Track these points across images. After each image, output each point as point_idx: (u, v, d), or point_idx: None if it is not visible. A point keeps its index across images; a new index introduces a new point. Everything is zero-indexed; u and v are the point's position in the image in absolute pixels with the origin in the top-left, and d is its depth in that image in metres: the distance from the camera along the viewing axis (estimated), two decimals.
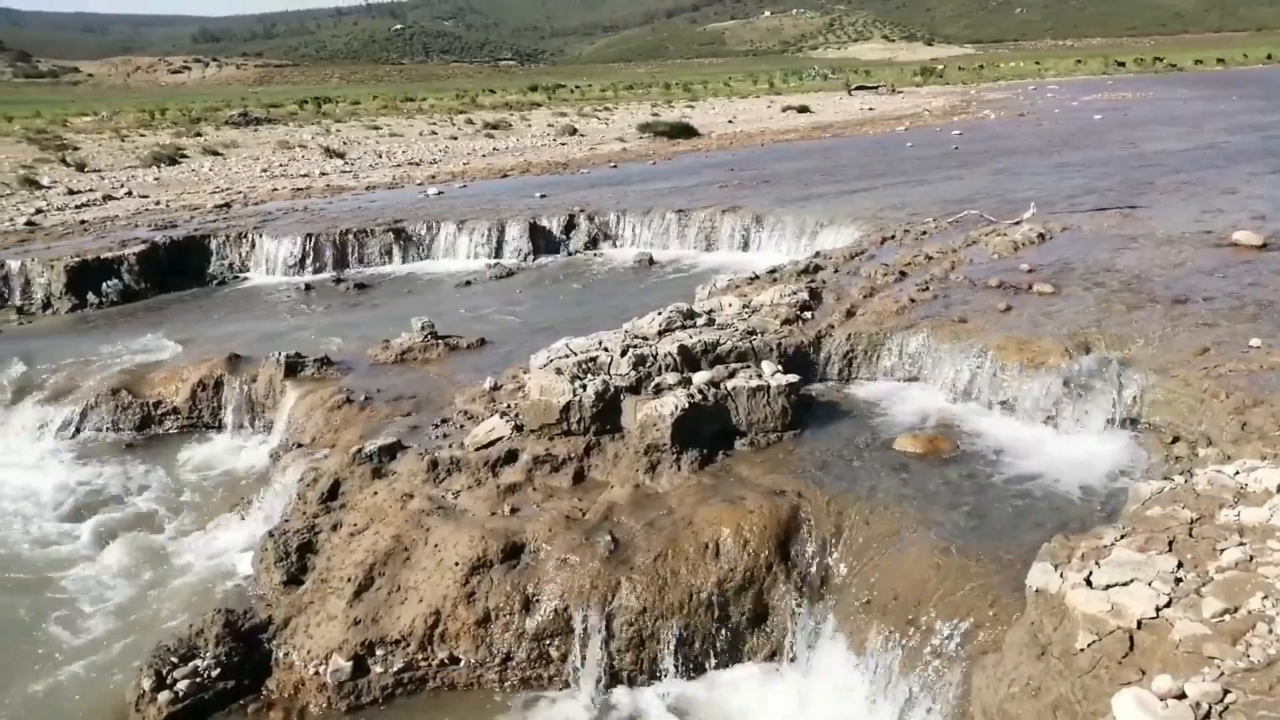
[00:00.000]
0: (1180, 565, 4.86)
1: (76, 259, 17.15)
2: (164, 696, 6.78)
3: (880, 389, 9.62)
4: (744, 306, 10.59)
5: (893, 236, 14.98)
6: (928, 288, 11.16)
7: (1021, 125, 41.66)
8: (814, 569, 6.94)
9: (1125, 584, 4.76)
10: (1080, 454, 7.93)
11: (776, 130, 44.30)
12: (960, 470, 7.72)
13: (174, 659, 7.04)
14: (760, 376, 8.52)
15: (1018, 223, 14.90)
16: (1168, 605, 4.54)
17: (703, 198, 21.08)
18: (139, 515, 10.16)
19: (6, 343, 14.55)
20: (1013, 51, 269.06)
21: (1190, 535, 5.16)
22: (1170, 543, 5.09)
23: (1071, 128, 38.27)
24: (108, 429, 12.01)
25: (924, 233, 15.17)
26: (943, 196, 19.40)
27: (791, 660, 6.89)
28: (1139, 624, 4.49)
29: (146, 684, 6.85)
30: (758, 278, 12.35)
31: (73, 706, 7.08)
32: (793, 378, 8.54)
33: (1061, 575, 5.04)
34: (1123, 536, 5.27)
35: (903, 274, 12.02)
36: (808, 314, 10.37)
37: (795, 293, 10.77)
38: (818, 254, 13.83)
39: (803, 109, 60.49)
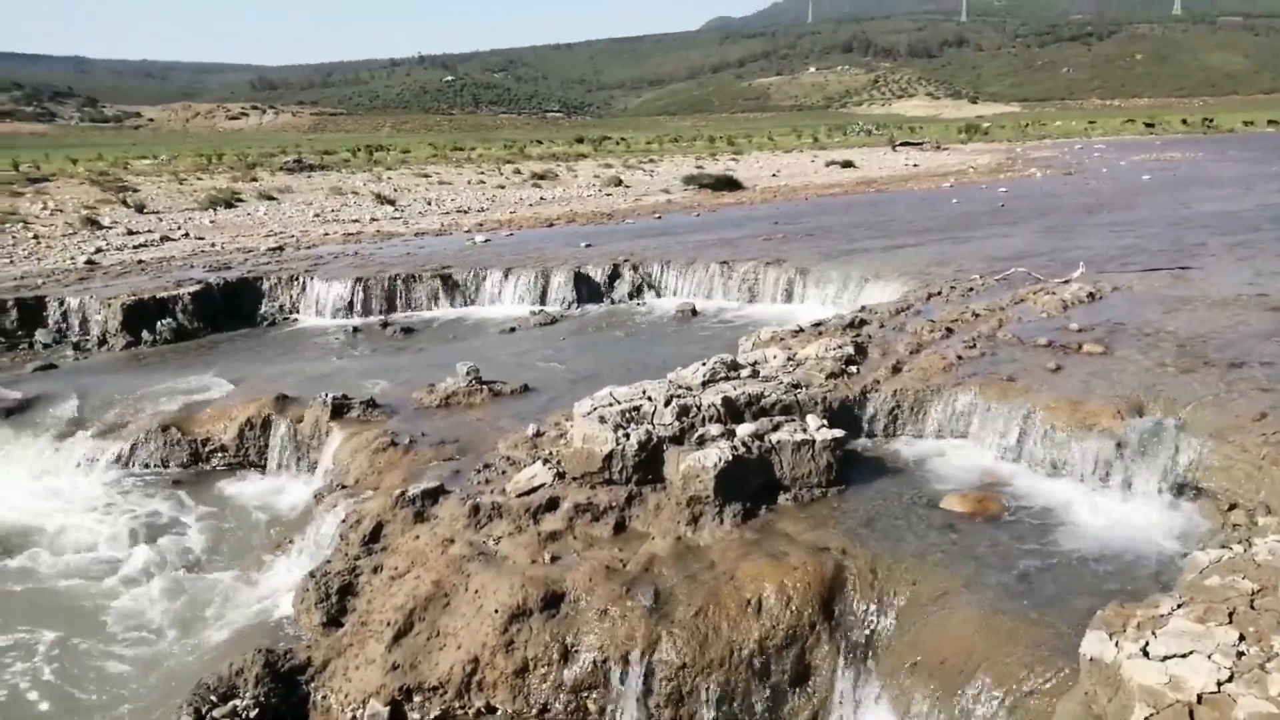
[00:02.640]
0: (1242, 638, 4.71)
1: (133, 297, 17.59)
2: None
3: (927, 446, 9.50)
4: (788, 359, 10.57)
5: (939, 292, 14.90)
6: (975, 345, 11.06)
7: (1069, 184, 41.45)
8: (859, 629, 6.81)
9: (1184, 656, 4.61)
10: (1133, 519, 7.75)
11: (820, 184, 44.49)
12: (1009, 532, 7.57)
13: (213, 698, 7.07)
14: (805, 430, 8.47)
15: (1066, 281, 14.75)
16: (1229, 680, 4.39)
17: (746, 250, 21.17)
18: (183, 551, 10.27)
19: (62, 378, 14.90)
20: (1059, 110, 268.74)
21: (1252, 607, 5.00)
22: (1230, 614, 4.94)
23: (1120, 187, 38.01)
24: (156, 465, 12.22)
25: (970, 289, 15.07)
26: (989, 253, 19.30)
27: None
28: (1199, 698, 4.34)
29: None
30: (802, 330, 12.32)
31: None
32: (838, 432, 8.47)
33: (1117, 644, 4.90)
34: (1180, 606, 5.12)
35: (949, 330, 11.93)
36: (853, 368, 10.32)
37: (840, 346, 10.73)
38: (863, 308, 13.78)
39: (847, 164, 60.71)
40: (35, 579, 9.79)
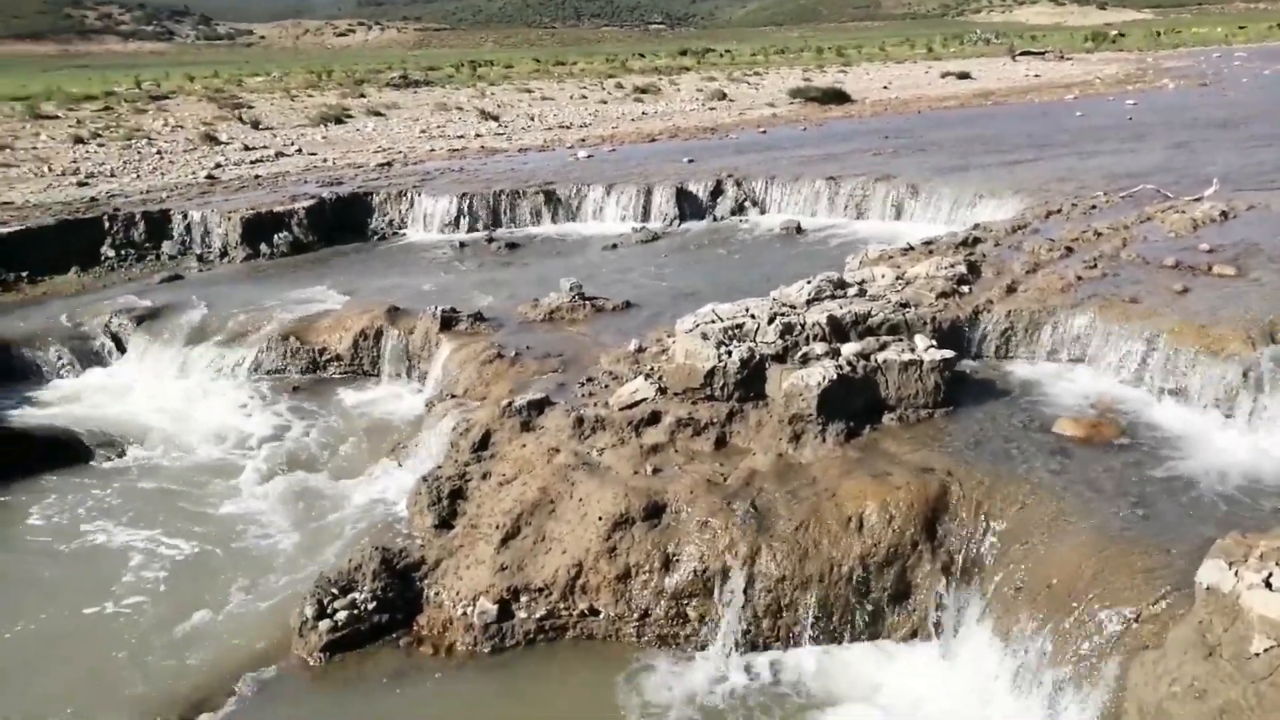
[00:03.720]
0: None
1: (251, 211, 18.22)
2: (324, 625, 7.23)
3: (1040, 369, 9.23)
4: (897, 278, 10.33)
5: (1058, 210, 14.26)
6: (1096, 265, 10.59)
7: (1204, 95, 38.76)
8: (962, 550, 6.77)
9: None
10: (1257, 449, 7.41)
11: (934, 97, 42.70)
12: (1124, 458, 7.34)
13: (334, 590, 7.48)
14: (912, 350, 8.31)
15: (1198, 199, 13.92)
16: None
17: (854, 165, 20.59)
18: (304, 454, 10.81)
19: (188, 288, 15.64)
20: (1196, 15, 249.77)
21: None
22: None
23: (1262, 98, 35.39)
24: (277, 372, 12.81)
25: (1093, 207, 14.38)
26: (1114, 170, 18.32)
27: (933, 641, 6.76)
28: None
29: (309, 612, 7.32)
30: (912, 248, 11.99)
31: (243, 630, 7.63)
32: (947, 353, 8.28)
33: (1236, 574, 4.76)
34: None
35: (1069, 250, 11.45)
36: (965, 288, 10.02)
37: (952, 265, 10.42)
38: (977, 226, 13.30)
39: (963, 75, 58.00)
40: (166, 478, 10.45)
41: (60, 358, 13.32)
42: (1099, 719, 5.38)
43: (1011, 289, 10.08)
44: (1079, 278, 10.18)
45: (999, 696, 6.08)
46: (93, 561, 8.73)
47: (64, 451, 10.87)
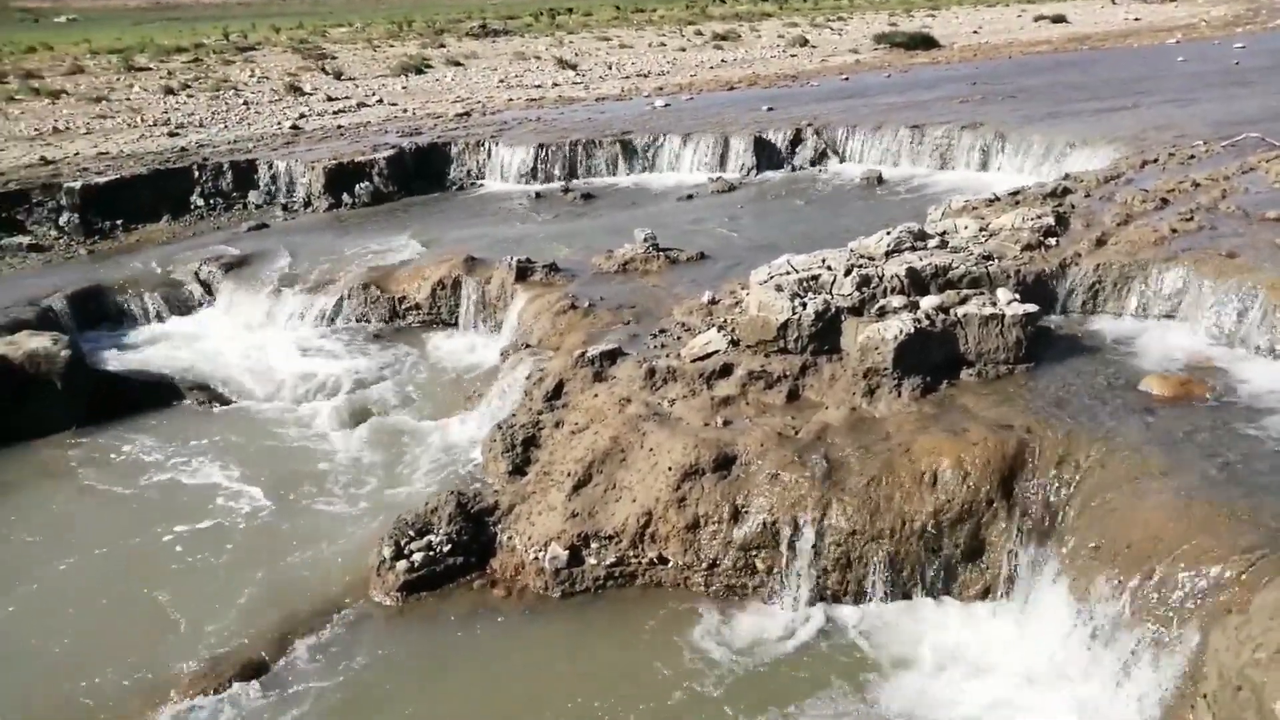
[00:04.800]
0: None
1: (334, 162, 18.54)
2: (402, 565, 7.45)
3: (1128, 325, 8.90)
4: (981, 229, 10.03)
5: (1155, 160, 13.63)
6: (1192, 217, 10.12)
7: None
8: (1039, 509, 6.62)
9: None
10: None
11: (1026, 42, 41.02)
12: (1215, 418, 7.06)
13: (411, 533, 7.70)
14: (994, 304, 8.08)
15: None
16: None
17: (940, 113, 19.94)
18: (384, 400, 11.06)
19: (273, 236, 16.03)
20: None
21: None
22: None
23: None
24: (358, 319, 13.10)
25: (1192, 157, 13.71)
26: (1217, 117, 17.38)
27: (1006, 599, 6.66)
28: None
29: (387, 553, 7.55)
30: (998, 199, 11.61)
31: (323, 569, 7.91)
32: (1030, 307, 8.04)
33: None
34: None
35: (1164, 201, 10.96)
36: (1052, 240, 9.69)
37: (1039, 217, 10.07)
38: (1067, 176, 12.80)
39: (1057, 18, 55.49)
40: (252, 422, 10.82)
41: (153, 304, 13.83)
42: (1177, 684, 5.25)
43: (1101, 242, 9.71)
44: (1173, 230, 9.75)
45: (1072, 658, 5.98)
46: (182, 501, 9.12)
47: (158, 394, 11.33)
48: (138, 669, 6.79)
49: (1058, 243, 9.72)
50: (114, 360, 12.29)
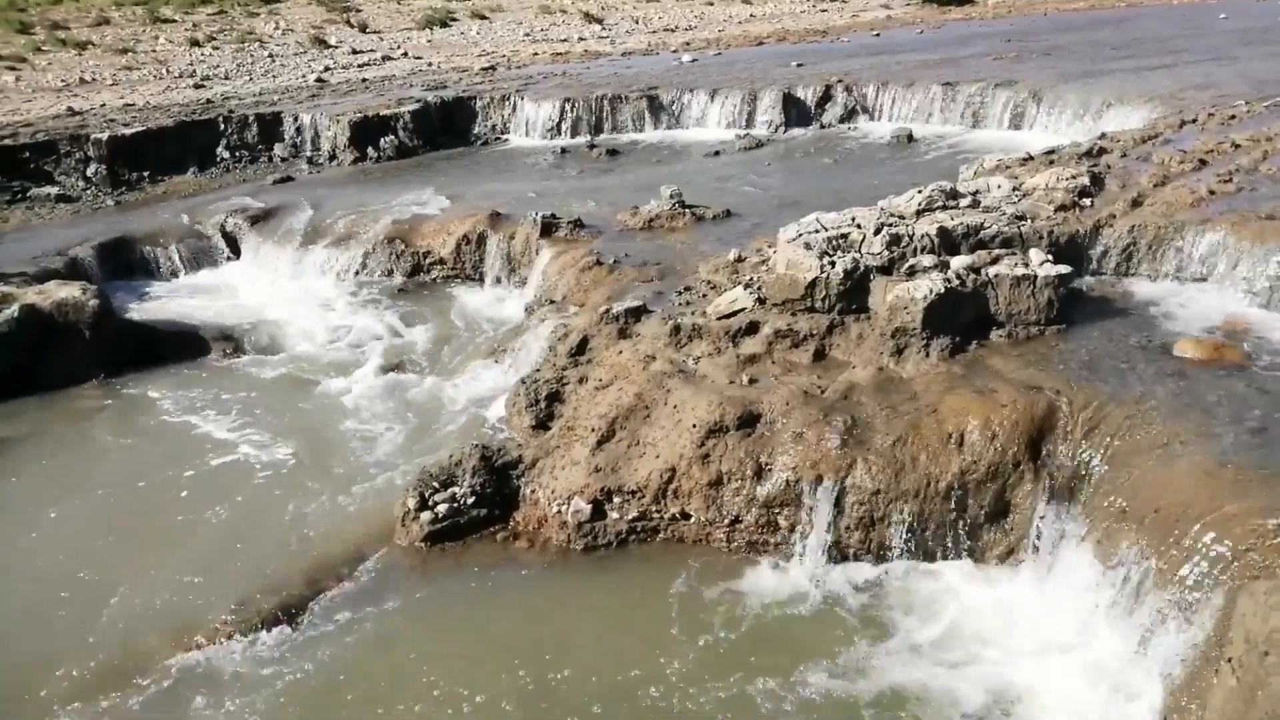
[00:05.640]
0: None
1: (359, 115, 18.47)
2: (426, 516, 7.51)
3: (1162, 288, 8.75)
4: (1014, 189, 9.86)
5: (1194, 120, 13.32)
6: (1231, 179, 9.89)
7: None
8: (1066, 471, 6.55)
9: None
10: None
11: None
12: (1248, 382, 6.94)
13: (435, 484, 7.74)
14: (1026, 265, 7.96)
15: None
16: None
17: (973, 70, 19.58)
18: (408, 353, 11.10)
19: (298, 190, 16.03)
20: None
21: None
22: None
23: None
24: (383, 273, 13.11)
25: (1232, 117, 13.37)
26: (1260, 76, 16.95)
27: (1030, 562, 6.62)
28: None
29: (412, 503, 7.60)
30: (1031, 159, 11.40)
31: (348, 518, 7.98)
32: (1063, 268, 7.91)
33: None
34: None
35: (1202, 162, 10.71)
36: (1086, 201, 9.51)
37: (1074, 177, 9.88)
38: (1103, 136, 12.55)
39: None
40: (277, 374, 10.88)
41: (179, 256, 13.91)
42: (1202, 648, 5.21)
43: (1137, 203, 9.53)
44: (1211, 192, 9.53)
45: (1097, 621, 5.95)
46: (207, 450, 9.21)
47: (183, 345, 11.42)
48: (165, 612, 6.90)
49: (1092, 203, 9.54)
50: (141, 311, 12.38)
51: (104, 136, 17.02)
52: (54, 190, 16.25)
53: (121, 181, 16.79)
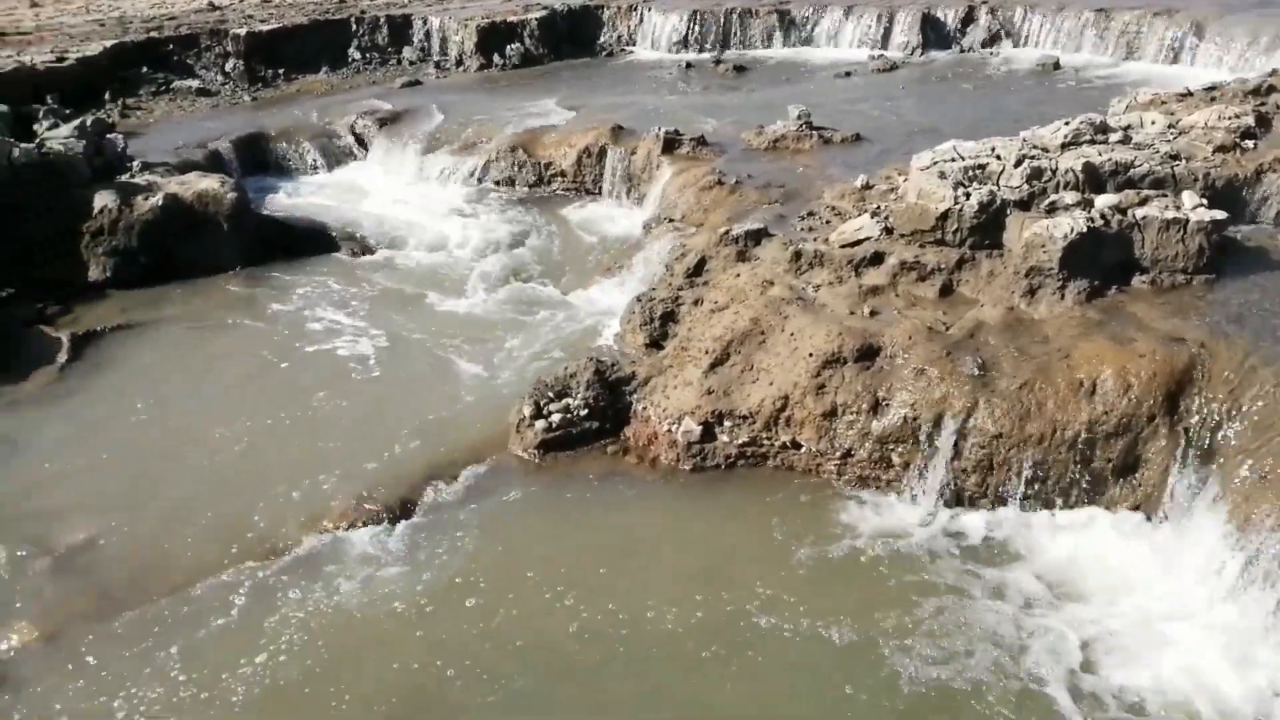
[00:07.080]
0: None
1: (486, 21, 18.42)
2: (540, 424, 7.66)
3: None
4: (1169, 126, 9.23)
5: None
6: None
7: None
8: (1205, 429, 6.24)
9: None
10: None
11: None
12: None
13: (550, 394, 7.87)
14: (1178, 208, 7.48)
15: None
16: None
17: None
18: (526, 263, 11.23)
19: (425, 94, 16.18)
20: None
21: None
22: None
23: None
24: (505, 182, 13.21)
25: None
26: None
27: (1157, 520, 6.37)
28: None
29: (527, 411, 7.76)
30: (1190, 94, 10.61)
31: (464, 421, 8.21)
32: (1218, 214, 7.40)
33: None
34: None
35: None
36: (1250, 143, 8.83)
37: (1238, 116, 9.17)
38: (1274, 73, 11.57)
39: None
40: (402, 276, 11.15)
41: (311, 154, 14.28)
42: None
43: None
44: None
45: (1222, 588, 5.72)
46: (337, 345, 9.56)
47: (314, 241, 11.80)
48: (292, 499, 7.27)
49: (1255, 146, 8.85)
50: (274, 205, 12.82)
51: (242, 32, 17.44)
52: (195, 84, 16.80)
53: (258, 78, 17.22)
